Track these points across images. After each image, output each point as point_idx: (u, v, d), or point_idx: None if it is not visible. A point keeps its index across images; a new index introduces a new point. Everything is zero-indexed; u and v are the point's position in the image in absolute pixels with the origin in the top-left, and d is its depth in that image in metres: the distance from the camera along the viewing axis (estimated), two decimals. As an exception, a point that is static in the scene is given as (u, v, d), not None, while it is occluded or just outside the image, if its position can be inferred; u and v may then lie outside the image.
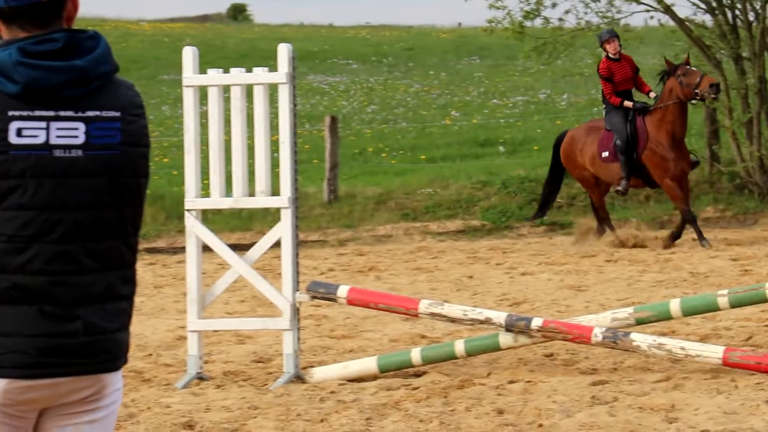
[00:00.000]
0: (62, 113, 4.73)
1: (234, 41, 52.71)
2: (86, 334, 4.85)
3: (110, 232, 4.89)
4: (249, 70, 12.34)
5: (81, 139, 4.75)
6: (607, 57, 21.52)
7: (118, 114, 4.84)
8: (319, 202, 25.56)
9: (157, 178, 27.38)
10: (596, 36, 23.36)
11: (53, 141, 4.72)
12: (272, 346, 13.24)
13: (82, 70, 4.76)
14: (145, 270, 20.68)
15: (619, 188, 21.94)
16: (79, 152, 4.76)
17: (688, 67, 22.15)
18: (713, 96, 21.94)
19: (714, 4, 25.44)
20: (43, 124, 4.70)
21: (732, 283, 16.36)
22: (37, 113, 4.70)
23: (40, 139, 4.70)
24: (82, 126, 4.75)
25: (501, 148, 30.75)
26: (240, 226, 22.22)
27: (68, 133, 4.74)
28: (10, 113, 4.67)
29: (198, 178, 12.25)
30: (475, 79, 44.33)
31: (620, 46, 21.90)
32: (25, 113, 4.68)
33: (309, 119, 33.52)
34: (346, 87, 43.89)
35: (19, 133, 4.68)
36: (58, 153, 4.73)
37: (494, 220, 24.59)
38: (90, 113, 4.77)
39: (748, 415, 9.87)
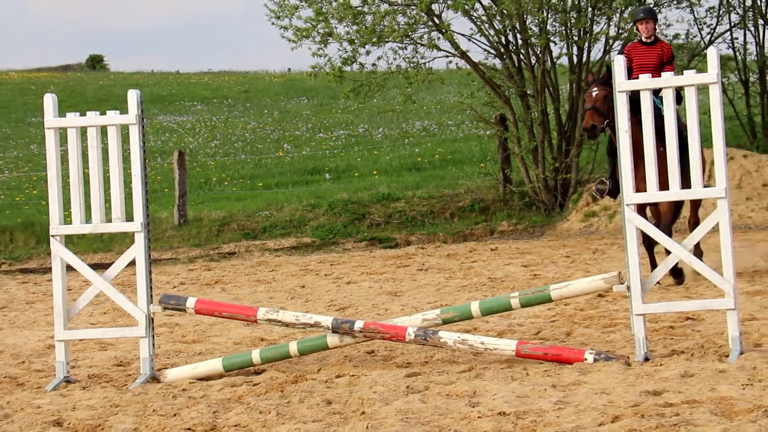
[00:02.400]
0: None
1: (92, 88, 52.15)
2: None
3: None
4: (103, 113, 12.23)
5: None
6: (640, 40, 16.99)
7: None
8: (171, 225, 25.41)
9: (27, 208, 27.05)
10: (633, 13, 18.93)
11: None
12: (131, 351, 13.14)
13: None
14: (18, 288, 20.42)
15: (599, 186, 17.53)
16: None
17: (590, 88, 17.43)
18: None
19: (502, 50, 25.70)
20: None
21: (524, 286, 16.54)
22: None
23: None
24: None
25: (327, 176, 30.79)
26: (102, 247, 22.00)
27: None
28: None
29: (60, 207, 12.13)
30: (303, 116, 44.33)
31: (655, 29, 16.90)
32: None
33: (160, 154, 33.32)
34: (192, 125, 43.65)
35: None
36: None
37: (322, 237, 24.58)
38: None
39: (538, 398, 9.93)
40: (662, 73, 12.22)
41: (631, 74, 15.56)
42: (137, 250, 12.04)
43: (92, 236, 19.68)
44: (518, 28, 25.47)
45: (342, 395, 10.55)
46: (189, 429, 9.68)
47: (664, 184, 12.36)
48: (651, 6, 19.26)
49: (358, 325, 11.86)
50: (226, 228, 25.42)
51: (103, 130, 12.22)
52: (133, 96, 12.10)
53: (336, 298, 17.15)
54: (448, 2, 25.22)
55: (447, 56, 26.44)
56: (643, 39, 16.83)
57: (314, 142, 37.11)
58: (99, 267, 13.26)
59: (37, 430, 9.85)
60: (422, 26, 25.82)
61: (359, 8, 25.61)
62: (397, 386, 10.77)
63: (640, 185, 12.20)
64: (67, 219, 12.21)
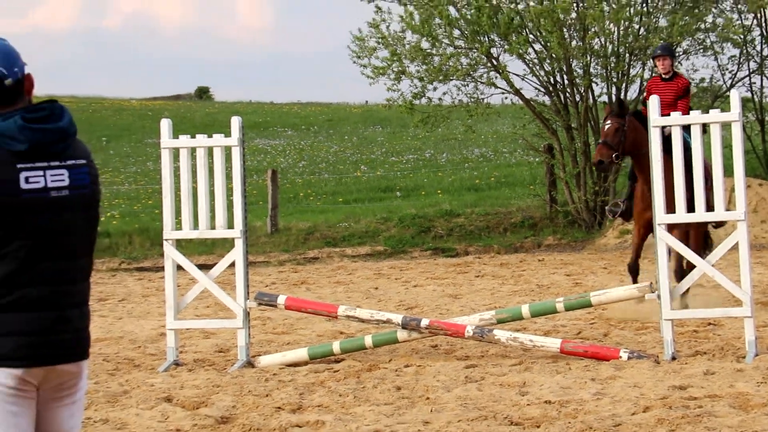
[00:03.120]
0: (53, 163, 4.76)
1: (200, 114, 52.43)
2: (75, 330, 4.86)
3: (87, 250, 4.92)
4: (210, 136, 12.30)
5: (66, 182, 4.78)
6: (660, 75, 15.34)
7: (85, 161, 4.87)
8: (264, 233, 25.46)
9: (143, 215, 27.20)
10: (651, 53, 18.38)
11: (48, 185, 4.74)
12: (230, 340, 13.16)
13: (64, 130, 4.81)
14: (135, 284, 20.56)
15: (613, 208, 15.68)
16: (66, 192, 4.79)
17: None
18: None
19: (550, 88, 25.61)
20: (41, 173, 4.72)
21: (567, 292, 16.44)
22: (37, 164, 4.72)
23: (39, 184, 4.71)
24: (65, 172, 4.77)
25: (398, 193, 30.76)
26: (206, 251, 22.11)
27: (58, 178, 4.76)
28: (19, 166, 4.68)
29: (172, 216, 12.19)
30: (378, 142, 44.36)
31: (672, 65, 15.23)
32: (29, 165, 4.70)
33: (256, 172, 33.36)
34: (283, 148, 43.78)
35: (26, 180, 4.69)
36: (53, 194, 4.75)
37: (393, 246, 24.54)
38: (70, 162, 4.81)
39: (579, 389, 9.88)
40: (678, 105, 13.09)
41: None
42: (236, 254, 12.09)
43: (198, 240, 19.73)
44: (565, 70, 25.39)
45: (409, 382, 10.53)
46: (279, 408, 9.69)
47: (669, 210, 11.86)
48: (669, 44, 18.13)
49: (424, 322, 11.84)
50: (311, 237, 25.43)
51: (210, 151, 12.28)
52: (235, 122, 12.16)
53: (405, 299, 17.12)
54: (505, 47, 25.15)
55: (503, 93, 26.37)
56: (662, 75, 15.22)
57: (387, 165, 37.10)
58: (203, 267, 13.26)
59: (150, 404, 9.90)
60: (482, 67, 25.78)
61: (428, 50, 25.60)
62: (457, 376, 10.74)
63: (639, 203, 14.01)
64: (177, 226, 12.28)
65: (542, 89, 25.86)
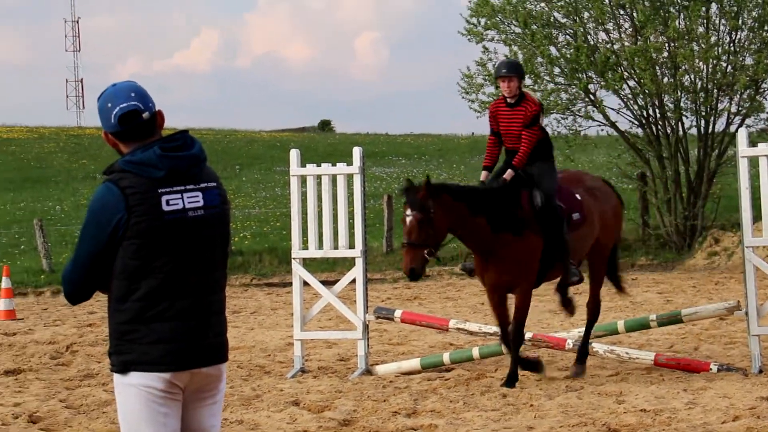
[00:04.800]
0: (189, 186, 4.85)
1: (323, 145, 52.80)
2: (215, 336, 4.95)
3: (221, 264, 5.01)
4: (333, 165, 12.37)
5: (201, 203, 4.87)
6: (505, 99, 11.41)
7: (215, 184, 4.96)
8: (381, 252, 25.52)
9: (272, 236, 27.40)
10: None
11: (186, 206, 4.83)
12: (350, 350, 13.18)
13: (196, 157, 4.91)
14: (265, 298, 20.69)
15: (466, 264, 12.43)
16: (201, 212, 4.87)
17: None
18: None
19: (643, 121, 25.39)
20: (179, 196, 4.82)
21: (659, 309, 16.22)
22: (175, 188, 4.82)
23: (178, 206, 4.81)
24: (199, 194, 4.87)
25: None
26: (328, 268, 22.19)
27: (194, 200, 4.85)
28: (160, 191, 4.78)
29: (300, 236, 12.27)
30: (484, 170, 44.24)
31: (520, 87, 11.32)
32: (168, 189, 4.80)
33: (373, 197, 33.47)
34: (397, 176, 43.88)
35: (167, 203, 4.79)
36: (191, 214, 4.84)
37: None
38: (203, 185, 4.90)
39: (672, 398, 9.74)
40: (522, 137, 11.09)
41: (499, 136, 11.42)
42: (357, 272, 12.12)
43: (321, 259, 19.86)
44: (657, 104, 25.16)
45: (514, 391, 10.47)
46: (395, 412, 9.69)
47: (503, 274, 10.79)
48: (515, 61, 13.00)
49: (528, 335, 11.76)
50: (423, 255, 25.44)
51: (333, 178, 12.33)
52: (357, 152, 12.22)
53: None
54: (602, 83, 25.00)
55: (599, 125, 26.17)
56: (507, 98, 11.33)
57: (492, 191, 37.01)
58: (326, 283, 13.30)
59: (280, 407, 9.95)
60: (580, 101, 25.65)
61: (531, 87, 25.51)
62: (558, 385, 10.66)
63: (481, 272, 11.07)
64: (304, 246, 12.35)
65: (636, 122, 25.64)
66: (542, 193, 11.00)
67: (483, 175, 11.43)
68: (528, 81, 25.38)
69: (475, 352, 11.96)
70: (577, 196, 11.41)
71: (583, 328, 11.75)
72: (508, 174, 11.15)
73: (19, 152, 54.42)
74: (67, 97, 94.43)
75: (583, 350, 11.51)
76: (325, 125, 76.95)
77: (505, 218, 10.87)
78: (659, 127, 25.41)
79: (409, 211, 10.60)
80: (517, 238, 10.82)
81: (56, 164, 51.11)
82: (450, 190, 10.86)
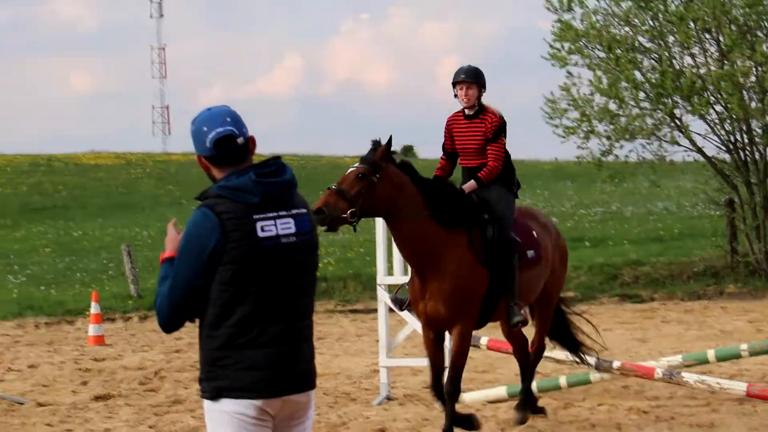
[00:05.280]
0: (281, 213, 4.86)
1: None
2: (305, 362, 4.94)
3: (311, 290, 5.00)
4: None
5: (293, 230, 4.87)
6: (463, 111, 10.14)
7: (305, 210, 4.98)
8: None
9: (356, 261, 27.46)
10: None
11: (279, 232, 4.83)
12: (435, 377, 13.13)
13: (289, 183, 4.93)
14: (350, 324, 20.70)
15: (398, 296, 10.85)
16: (294, 238, 4.87)
17: None
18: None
19: (731, 146, 25.09)
20: (273, 222, 4.82)
21: (749, 338, 15.95)
22: (269, 214, 4.83)
23: (272, 232, 4.81)
24: (291, 221, 4.87)
25: (586, 243, 30.41)
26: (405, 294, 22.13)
27: (286, 226, 4.85)
28: (255, 217, 4.79)
29: (385, 262, 12.27)
30: (567, 195, 44.04)
31: (479, 97, 10.08)
32: (262, 216, 4.81)
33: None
34: (481, 201, 43.84)
35: (261, 229, 4.79)
36: (283, 240, 4.84)
37: (583, 292, 24.18)
38: (294, 211, 4.91)
39: (766, 430, 9.59)
40: (489, 152, 9.81)
41: (451, 157, 10.19)
42: (444, 299, 12.08)
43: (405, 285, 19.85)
44: (744, 129, 24.85)
45: (603, 420, 10.37)
46: None
47: (441, 305, 9.43)
48: (475, 67, 10.28)
49: (616, 364, 11.63)
50: (507, 282, 25.32)
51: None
52: (444, 179, 12.21)
53: (595, 342, 16.83)
54: (688, 108, 24.75)
55: (685, 150, 25.86)
56: (465, 110, 10.04)
57: (576, 217, 36.74)
58: (412, 310, 13.28)
59: (367, 436, 9.96)
60: (666, 126, 25.37)
61: (616, 112, 25.34)
62: (648, 415, 10.53)
63: (416, 300, 9.70)
64: (389, 272, 12.34)
65: (723, 147, 25.33)
66: (497, 222, 9.66)
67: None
68: (612, 106, 25.23)
69: (563, 381, 11.85)
70: (534, 233, 10.17)
71: (672, 357, 11.60)
72: (470, 185, 9.86)
73: (107, 179, 55.15)
74: (153, 123, 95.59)
75: (526, 396, 10.58)
76: (408, 150, 77.00)
77: (452, 211, 9.42)
78: (747, 152, 25.07)
79: (356, 164, 9.27)
80: (460, 258, 9.34)
81: (143, 190, 51.74)
82: (405, 166, 9.47)
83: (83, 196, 49.78)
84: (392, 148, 9.38)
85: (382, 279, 12.29)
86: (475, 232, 9.56)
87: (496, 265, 9.54)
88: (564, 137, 26.01)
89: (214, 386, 4.82)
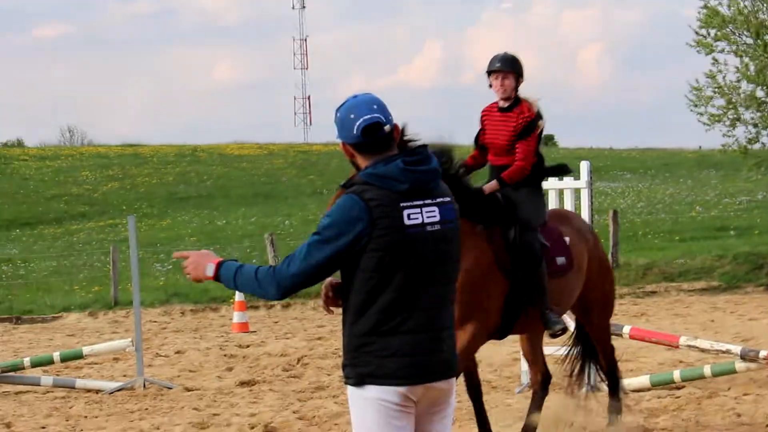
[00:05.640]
0: (427, 201, 4.84)
1: (547, 160, 52.53)
2: (447, 350, 4.94)
3: (453, 278, 4.99)
4: (560, 179, 12.28)
5: (437, 218, 4.85)
6: (498, 103, 9.23)
7: (449, 199, 4.96)
8: (606, 268, 25.22)
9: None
10: None
11: (425, 220, 4.82)
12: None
13: (435, 171, 4.92)
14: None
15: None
16: (438, 226, 4.86)
17: None
18: None
19: None
20: (419, 210, 4.81)
21: None
22: (415, 202, 4.82)
23: (419, 220, 4.80)
24: (436, 209, 4.86)
25: (731, 232, 29.89)
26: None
27: (431, 214, 4.84)
28: (401, 205, 4.79)
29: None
30: (711, 185, 43.31)
31: (517, 88, 9.13)
32: (409, 203, 4.80)
33: (598, 212, 33.12)
34: (622, 190, 43.36)
35: (408, 217, 4.79)
36: (429, 228, 4.83)
37: (728, 282, 23.84)
38: (439, 199, 4.90)
39: None
40: (517, 150, 8.87)
41: (484, 150, 9.23)
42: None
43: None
44: None
45: (749, 410, 10.21)
46: (628, 429, 9.56)
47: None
48: (513, 55, 9.22)
49: (762, 353, 11.41)
50: (649, 272, 25.04)
51: (560, 192, 12.26)
52: (584, 166, 12.11)
53: (740, 331, 16.56)
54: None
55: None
56: (500, 101, 9.13)
57: (721, 206, 36.13)
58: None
59: (508, 422, 9.98)
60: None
61: (763, 99, 24.88)
62: (796, 405, 10.34)
63: None
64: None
65: None
66: (521, 224, 8.79)
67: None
68: (760, 93, 24.76)
69: (707, 371, 11.67)
70: (566, 238, 9.16)
71: None
72: (491, 185, 8.93)
73: (250, 168, 55.98)
74: (294, 114, 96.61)
75: (614, 406, 9.74)
76: (548, 140, 76.64)
77: (470, 204, 8.42)
78: None
79: None
80: (477, 255, 8.45)
81: (285, 180, 52.37)
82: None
83: (227, 186, 50.61)
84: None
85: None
86: (496, 233, 8.69)
87: (520, 270, 8.66)
88: (709, 125, 25.67)
89: (359, 372, 4.84)
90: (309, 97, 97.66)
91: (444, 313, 4.95)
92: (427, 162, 4.90)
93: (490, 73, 9.11)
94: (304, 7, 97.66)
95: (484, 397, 11.24)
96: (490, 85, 9.11)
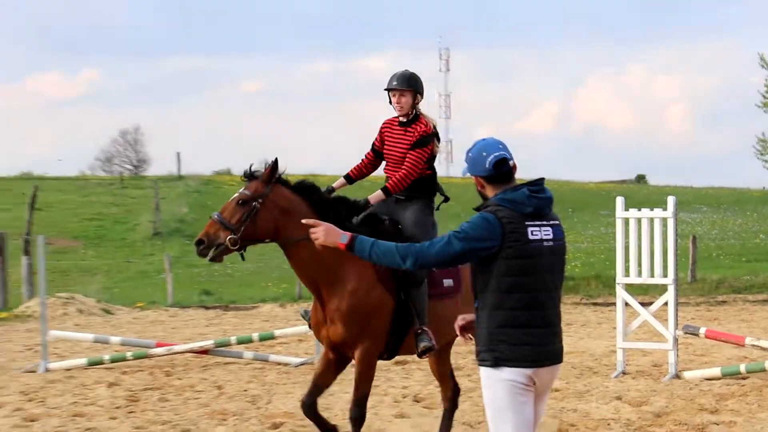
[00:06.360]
0: (543, 222, 4.88)
1: (639, 194, 51.61)
2: (559, 341, 4.97)
3: (560, 284, 5.01)
4: (651, 210, 12.11)
5: (551, 236, 4.89)
6: (398, 118, 7.67)
7: (558, 222, 4.98)
8: (686, 281, 24.65)
9: (597, 265, 27.06)
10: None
11: (542, 237, 4.86)
12: (662, 358, 12.78)
13: (550, 199, 4.96)
14: (591, 314, 20.38)
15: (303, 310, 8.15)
16: (551, 243, 4.89)
17: None
18: None
19: None
20: (538, 228, 4.85)
21: None
22: (536, 223, 4.86)
23: (538, 237, 4.85)
24: (550, 229, 4.89)
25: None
26: (642, 292, 21.60)
27: (547, 232, 4.87)
28: (526, 223, 4.84)
29: (623, 266, 12.06)
30: (774, 217, 42.04)
31: (414, 105, 7.61)
32: (532, 222, 4.85)
33: (680, 237, 32.32)
34: (700, 220, 42.35)
35: (531, 233, 4.84)
36: (546, 243, 4.87)
37: (785, 296, 23.06)
38: (552, 222, 4.94)
39: None
40: (406, 159, 7.39)
41: (379, 156, 7.71)
42: (669, 296, 11.81)
43: (636, 284, 19.41)
44: None
45: (802, 398, 9.88)
46: (701, 409, 9.36)
47: (340, 325, 7.09)
48: (411, 73, 7.67)
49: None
50: (720, 285, 24.39)
51: (651, 221, 12.07)
52: (671, 200, 11.91)
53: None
54: None
55: None
56: (400, 117, 7.60)
57: (781, 234, 35.06)
58: (642, 304, 12.96)
59: (606, 401, 9.83)
60: None
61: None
62: (841, 396, 9.96)
63: (316, 321, 7.28)
64: (626, 273, 12.12)
65: None
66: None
67: (338, 182, 7.69)
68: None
69: (767, 365, 11.36)
70: None
71: None
72: (377, 195, 7.41)
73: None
74: (438, 153, 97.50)
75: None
76: (640, 178, 75.20)
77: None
78: None
79: (242, 189, 7.03)
80: (359, 276, 7.06)
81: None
82: (302, 187, 7.13)
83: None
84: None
85: (620, 279, 12.09)
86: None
87: (402, 289, 7.20)
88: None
89: (495, 356, 4.85)
90: (451, 141, 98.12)
91: (555, 312, 4.97)
92: (545, 192, 4.96)
93: (388, 91, 7.61)
94: (448, 70, 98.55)
95: (585, 381, 11.15)
96: (389, 102, 7.62)
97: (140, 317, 20.31)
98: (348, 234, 4.96)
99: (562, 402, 9.72)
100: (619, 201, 12.29)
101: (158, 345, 13.01)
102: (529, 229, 4.85)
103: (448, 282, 7.41)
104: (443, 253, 4.84)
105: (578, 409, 9.41)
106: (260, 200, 6.90)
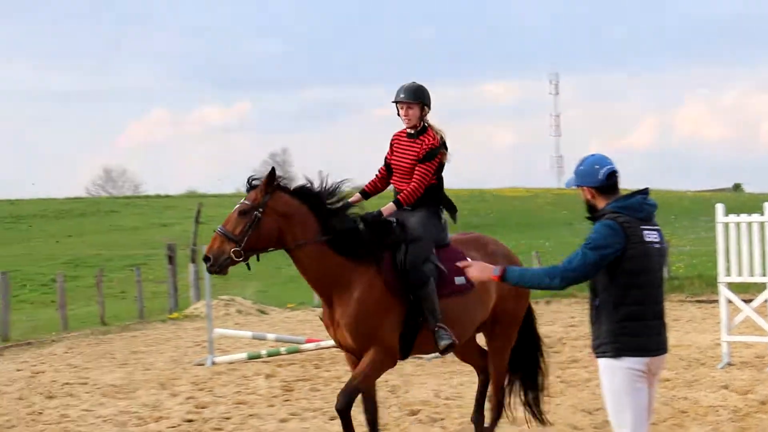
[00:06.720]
0: (651, 227, 4.91)
1: (735, 201, 49.88)
2: (665, 333, 4.95)
3: (663, 282, 5.02)
4: (749, 215, 11.65)
5: (658, 239, 4.91)
6: (407, 130, 7.02)
7: (659, 227, 4.98)
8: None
9: (699, 266, 26.23)
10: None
11: (652, 240, 4.87)
12: (764, 350, 12.17)
13: (656, 206, 5.01)
14: (696, 311, 19.66)
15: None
16: (658, 245, 4.91)
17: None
18: None
19: None
20: (649, 232, 4.87)
21: None
22: (647, 226, 4.89)
23: (649, 239, 4.85)
24: (657, 233, 4.92)
25: None
26: (742, 290, 20.68)
27: (654, 236, 4.89)
28: (641, 227, 4.86)
29: (725, 266, 11.64)
30: None
31: (422, 117, 6.93)
32: (645, 226, 4.88)
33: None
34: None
35: (645, 236, 4.86)
36: (654, 245, 4.88)
37: None
38: (657, 227, 4.96)
39: None
40: (415, 172, 6.81)
41: (391, 171, 7.05)
42: (769, 293, 11.37)
43: (737, 283, 18.71)
44: None
45: None
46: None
47: (350, 332, 6.52)
48: (419, 86, 6.96)
49: None
50: None
51: (749, 225, 11.61)
52: (767, 206, 11.48)
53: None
54: None
55: None
56: (407, 129, 6.98)
57: None
58: (743, 301, 12.44)
59: (713, 389, 9.52)
60: None
61: None
62: None
63: (328, 325, 6.70)
64: (727, 273, 11.71)
65: None
66: (408, 245, 6.66)
67: (354, 197, 6.98)
68: None
69: None
70: (468, 259, 6.74)
71: None
72: (388, 207, 6.83)
73: (520, 206, 56.00)
74: (550, 167, 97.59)
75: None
76: (737, 186, 72.79)
77: (351, 240, 6.53)
78: None
79: (242, 200, 6.52)
80: (367, 283, 6.50)
81: (544, 214, 52.14)
82: (300, 192, 6.58)
83: (504, 219, 50.84)
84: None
85: (722, 278, 11.69)
86: (387, 258, 6.63)
87: (409, 290, 6.60)
88: None
89: (617, 347, 4.84)
90: (561, 156, 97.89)
91: (661, 307, 4.95)
92: (652, 200, 4.99)
93: (396, 103, 6.99)
94: (558, 93, 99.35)
95: (693, 371, 10.78)
96: (398, 114, 7.01)
97: (291, 316, 20.67)
98: (498, 267, 5.02)
99: (673, 391, 9.44)
100: (719, 207, 11.89)
101: (308, 341, 13.20)
102: (644, 232, 4.89)
103: (460, 279, 6.78)
104: (582, 266, 4.84)
105: (688, 397, 9.14)
106: (260, 209, 6.40)
